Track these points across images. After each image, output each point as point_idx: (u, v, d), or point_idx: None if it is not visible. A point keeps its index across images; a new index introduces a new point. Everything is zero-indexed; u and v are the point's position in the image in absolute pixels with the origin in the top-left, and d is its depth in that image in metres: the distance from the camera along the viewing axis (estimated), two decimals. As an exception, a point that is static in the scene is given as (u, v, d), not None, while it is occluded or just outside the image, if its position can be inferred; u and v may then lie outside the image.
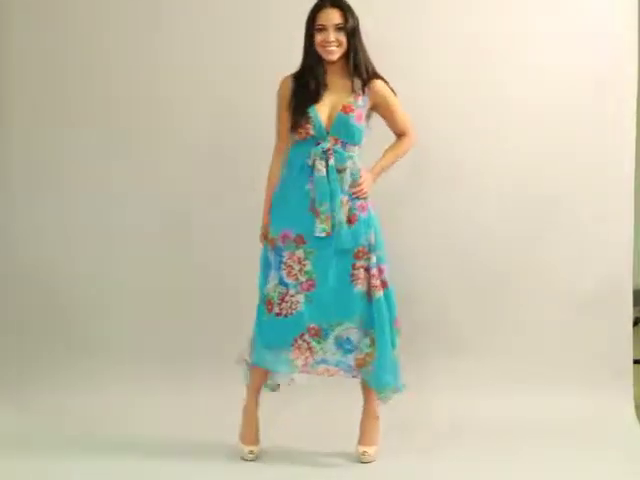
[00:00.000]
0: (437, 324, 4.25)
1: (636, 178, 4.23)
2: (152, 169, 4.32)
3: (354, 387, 3.64)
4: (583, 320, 4.20)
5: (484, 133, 4.21)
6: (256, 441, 3.61)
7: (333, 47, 3.45)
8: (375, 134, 3.56)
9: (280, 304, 3.50)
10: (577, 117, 4.17)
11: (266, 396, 3.64)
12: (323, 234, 3.47)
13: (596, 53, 4.15)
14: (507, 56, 4.18)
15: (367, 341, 3.51)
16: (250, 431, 3.62)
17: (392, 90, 3.55)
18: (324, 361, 3.53)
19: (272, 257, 3.52)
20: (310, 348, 3.52)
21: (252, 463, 3.55)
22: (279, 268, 3.51)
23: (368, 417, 3.61)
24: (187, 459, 3.56)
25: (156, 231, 4.34)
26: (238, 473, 3.47)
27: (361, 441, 3.59)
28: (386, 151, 3.62)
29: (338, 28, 3.44)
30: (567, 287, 4.23)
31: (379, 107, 3.55)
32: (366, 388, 3.60)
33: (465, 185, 4.24)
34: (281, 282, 3.51)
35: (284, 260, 3.50)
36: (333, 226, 3.47)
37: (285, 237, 3.51)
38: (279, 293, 3.51)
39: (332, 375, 3.56)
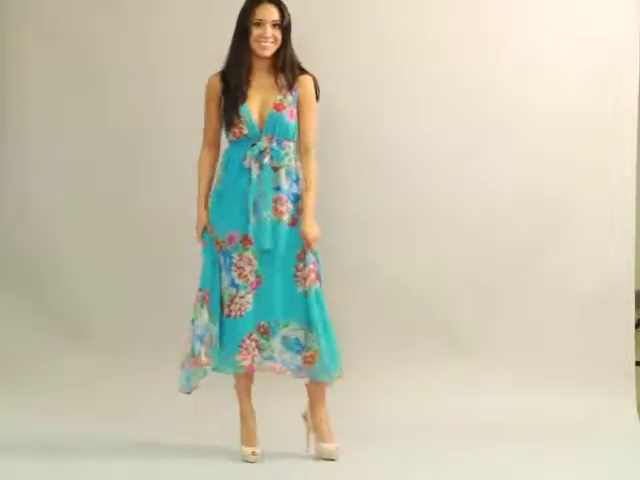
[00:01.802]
0: (438, 325, 4.25)
1: (638, 180, 4.23)
2: (145, 167, 4.36)
3: (346, 387, 3.61)
4: (585, 322, 4.20)
5: (485, 135, 4.21)
6: (258, 442, 3.60)
7: (269, 43, 3.45)
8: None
9: (229, 305, 3.51)
10: (577, 119, 4.17)
11: (265, 397, 3.65)
12: (250, 234, 3.47)
13: (597, 54, 4.14)
14: (507, 57, 4.18)
15: (314, 337, 3.49)
16: (251, 432, 3.61)
17: (317, 92, 3.53)
18: (271, 358, 3.52)
19: (222, 259, 3.52)
20: (258, 346, 3.51)
21: (254, 464, 3.54)
22: (229, 270, 3.51)
23: (324, 414, 3.56)
24: (187, 459, 3.56)
25: (149, 230, 4.38)
26: (239, 474, 3.46)
27: (327, 439, 3.55)
28: (303, 191, 3.52)
29: (275, 24, 3.45)
30: (569, 289, 4.22)
31: (299, 104, 3.52)
32: (313, 388, 3.56)
33: (465, 187, 4.24)
34: (232, 284, 3.51)
35: (234, 262, 3.51)
36: (264, 226, 3.47)
37: (231, 239, 3.51)
38: (229, 295, 3.52)
39: (279, 374, 3.53)
